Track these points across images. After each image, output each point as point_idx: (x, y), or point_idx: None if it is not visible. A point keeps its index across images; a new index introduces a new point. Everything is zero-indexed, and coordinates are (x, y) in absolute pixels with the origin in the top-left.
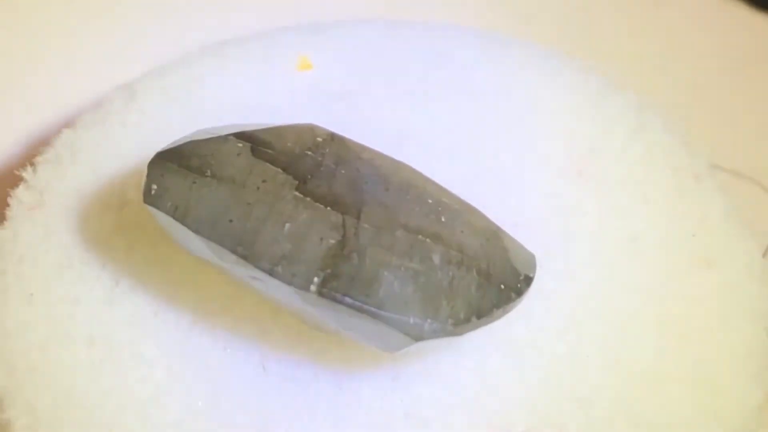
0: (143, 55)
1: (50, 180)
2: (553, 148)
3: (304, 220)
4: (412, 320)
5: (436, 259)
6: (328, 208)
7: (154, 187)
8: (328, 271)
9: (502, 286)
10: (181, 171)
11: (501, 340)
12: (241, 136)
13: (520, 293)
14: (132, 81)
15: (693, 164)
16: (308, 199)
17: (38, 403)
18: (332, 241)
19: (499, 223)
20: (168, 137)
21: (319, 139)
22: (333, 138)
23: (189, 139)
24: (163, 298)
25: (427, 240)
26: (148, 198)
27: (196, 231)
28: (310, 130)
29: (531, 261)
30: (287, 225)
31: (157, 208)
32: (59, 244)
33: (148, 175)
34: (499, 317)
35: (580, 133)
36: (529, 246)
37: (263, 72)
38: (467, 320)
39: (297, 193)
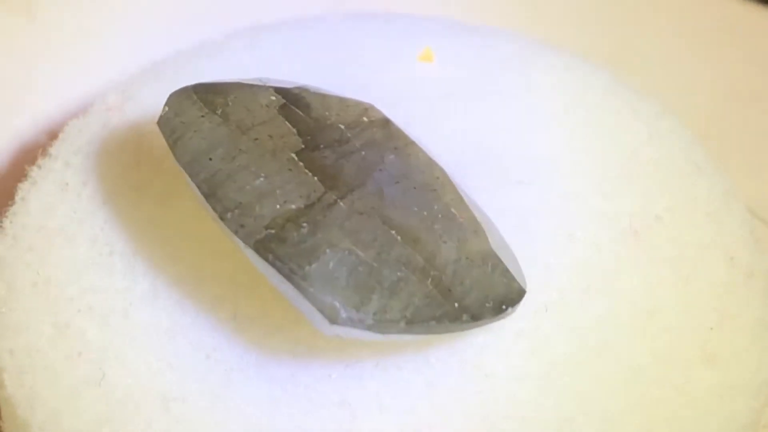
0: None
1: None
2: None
3: (279, 181)
4: (330, 301)
5: (394, 257)
6: (315, 178)
7: (166, 109)
8: (272, 231)
9: (457, 305)
10: (198, 104)
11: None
12: (282, 90)
13: (476, 318)
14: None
15: (752, 262)
16: (301, 164)
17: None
18: (293, 207)
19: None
20: None
21: (365, 119)
22: (384, 124)
23: (235, 80)
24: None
25: (399, 238)
26: (160, 119)
27: (178, 160)
28: (364, 109)
29: (513, 296)
30: (261, 179)
31: (161, 130)
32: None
33: (169, 98)
34: (440, 332)
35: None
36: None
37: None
38: (394, 322)
39: (293, 155)
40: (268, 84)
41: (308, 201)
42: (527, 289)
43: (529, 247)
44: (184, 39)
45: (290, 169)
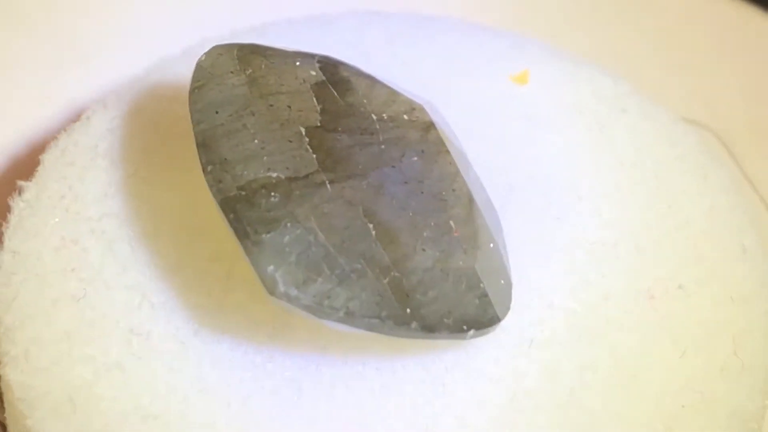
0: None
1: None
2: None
3: (273, 149)
4: (271, 272)
5: (358, 249)
6: (314, 156)
7: (203, 58)
8: (242, 193)
9: (409, 311)
10: (234, 60)
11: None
12: (329, 69)
13: (428, 330)
14: None
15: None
16: (306, 139)
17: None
18: (274, 176)
19: None
20: None
21: (405, 117)
22: (426, 127)
23: (291, 49)
24: None
25: (373, 233)
26: (196, 68)
27: (191, 106)
28: (411, 108)
29: (483, 320)
30: (255, 142)
31: (192, 75)
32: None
33: (213, 48)
34: (383, 332)
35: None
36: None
37: None
38: (334, 309)
39: (302, 129)
40: (319, 56)
41: (294, 174)
42: (514, 321)
43: (539, 281)
44: (188, 38)
45: (290, 141)
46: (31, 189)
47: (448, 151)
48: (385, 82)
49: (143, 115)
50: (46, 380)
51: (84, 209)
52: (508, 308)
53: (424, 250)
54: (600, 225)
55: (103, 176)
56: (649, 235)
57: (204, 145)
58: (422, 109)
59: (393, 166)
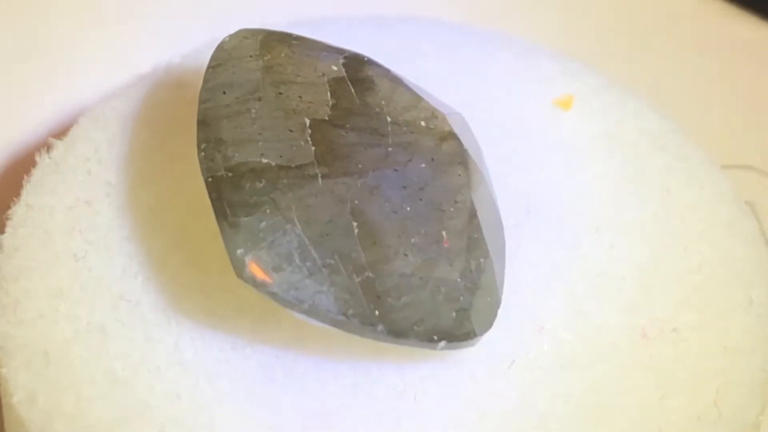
0: None
1: None
2: None
3: (271, 136)
4: (241, 255)
5: (336, 245)
6: (313, 148)
7: (227, 39)
8: (230, 174)
9: (377, 312)
10: (256, 45)
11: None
12: (353, 66)
13: (394, 334)
14: None
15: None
16: (309, 131)
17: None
18: (265, 162)
19: None
20: None
21: (423, 124)
22: (445, 136)
23: (322, 41)
24: None
25: (356, 231)
26: (217, 47)
27: (203, 84)
28: (433, 116)
29: (457, 333)
30: (254, 127)
31: (212, 54)
32: None
33: (239, 30)
34: (347, 331)
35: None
36: None
37: None
38: (299, 301)
39: (307, 121)
40: (348, 52)
41: (286, 163)
42: (499, 340)
43: (534, 305)
44: (189, 40)
45: (291, 131)
46: (59, 147)
47: (460, 163)
48: (416, 88)
49: (182, 92)
50: (27, 332)
51: (105, 173)
52: (489, 326)
53: (406, 255)
54: (611, 258)
55: (130, 145)
56: (658, 275)
57: (203, 123)
58: (444, 119)
59: (396, 170)
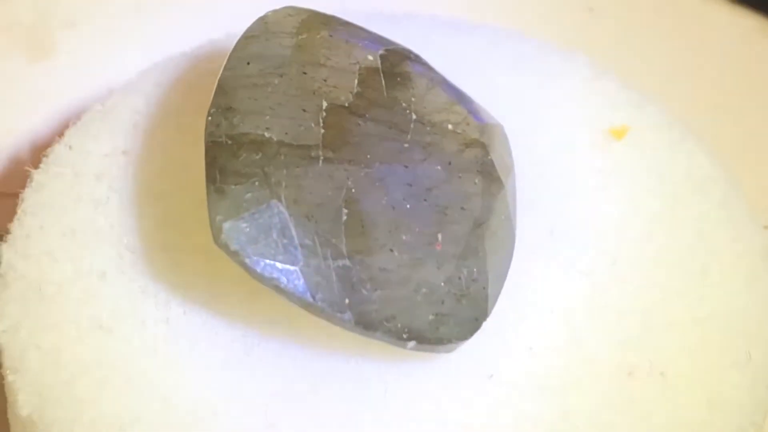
0: None
1: None
2: None
3: (283, 112)
4: (219, 221)
5: (319, 228)
6: (323, 131)
7: (269, 14)
8: (230, 142)
9: (347, 301)
10: (296, 23)
11: None
12: (390, 60)
13: (361, 325)
14: None
15: None
16: (323, 114)
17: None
18: (267, 135)
19: None
20: None
21: (450, 128)
22: (470, 143)
23: (366, 30)
24: None
25: (344, 218)
26: (257, 20)
27: (232, 51)
28: (465, 123)
29: (429, 336)
30: (267, 101)
31: (250, 25)
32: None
33: (287, 7)
34: (313, 313)
35: None
36: None
37: None
38: (269, 276)
39: (324, 104)
40: (391, 45)
41: (290, 141)
42: (482, 353)
43: (527, 326)
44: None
45: (305, 111)
46: (113, 97)
47: (480, 172)
48: (457, 93)
49: None
50: (29, 266)
51: (151, 127)
52: (468, 336)
53: (392, 251)
54: (620, 293)
55: (180, 105)
56: (663, 318)
57: (220, 89)
58: (476, 127)
59: (406, 166)
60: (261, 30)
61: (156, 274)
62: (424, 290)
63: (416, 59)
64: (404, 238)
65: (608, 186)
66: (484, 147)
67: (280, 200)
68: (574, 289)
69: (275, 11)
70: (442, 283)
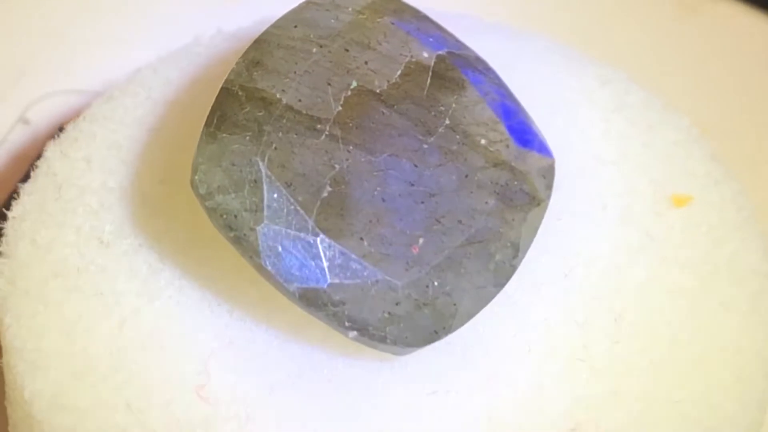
0: None
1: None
2: None
3: (305, 80)
4: (197, 163)
5: (290, 198)
6: (339, 109)
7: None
8: (241, 93)
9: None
10: (364, 2)
11: None
12: (446, 62)
13: (307, 302)
14: None
15: None
16: (348, 93)
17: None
18: (277, 96)
19: None
20: None
21: (483, 142)
22: (499, 164)
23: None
24: None
25: (323, 195)
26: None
27: (281, 18)
28: (505, 145)
29: (376, 333)
30: (296, 65)
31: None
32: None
33: None
34: (262, 276)
35: None
36: None
37: None
38: (228, 227)
39: (353, 84)
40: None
41: (300, 108)
42: (430, 362)
43: (498, 358)
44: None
45: (330, 84)
46: (128, 86)
47: (497, 194)
48: (513, 117)
49: None
50: (35, 226)
51: (148, 118)
52: (418, 345)
53: (362, 239)
54: (608, 353)
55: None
56: (633, 387)
57: (257, 43)
58: (514, 151)
59: (415, 165)
60: (329, 2)
61: (157, 231)
62: (380, 286)
63: (483, 72)
64: (381, 231)
65: (646, 249)
66: (513, 172)
67: (263, 160)
68: (562, 338)
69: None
70: (405, 286)
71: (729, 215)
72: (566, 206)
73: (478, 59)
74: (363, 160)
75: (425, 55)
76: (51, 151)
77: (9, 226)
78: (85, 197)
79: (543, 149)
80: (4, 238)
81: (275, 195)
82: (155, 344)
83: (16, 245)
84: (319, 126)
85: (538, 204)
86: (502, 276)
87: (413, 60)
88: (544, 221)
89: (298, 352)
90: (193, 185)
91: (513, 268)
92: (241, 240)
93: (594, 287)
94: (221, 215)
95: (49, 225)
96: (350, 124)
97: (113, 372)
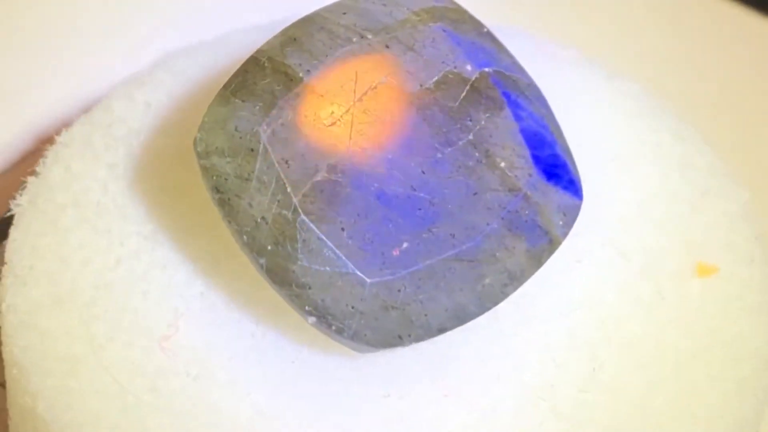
0: None
1: None
2: None
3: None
4: (206, 121)
5: (281, 175)
6: (360, 99)
7: None
8: (265, 63)
9: (270, 248)
10: (418, 3)
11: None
12: (489, 81)
13: (274, 277)
14: None
15: None
16: (372, 86)
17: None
18: (300, 75)
19: None
20: None
21: (505, 168)
22: (516, 192)
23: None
24: None
25: (315, 179)
26: None
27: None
28: (527, 174)
29: (335, 322)
30: (330, 50)
31: None
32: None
33: None
34: (239, 246)
35: None
36: None
37: None
38: (218, 191)
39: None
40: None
41: (320, 91)
42: (389, 375)
43: (471, 387)
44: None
45: (357, 75)
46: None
47: (503, 218)
48: (544, 150)
49: None
50: (74, 154)
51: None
52: (377, 347)
53: (342, 230)
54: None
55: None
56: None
57: (303, 21)
58: (536, 183)
59: (423, 172)
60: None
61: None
62: (348, 279)
63: (529, 98)
64: (365, 226)
65: (652, 308)
66: (528, 201)
67: (266, 132)
68: (539, 386)
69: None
70: (373, 285)
71: (751, 296)
72: (591, 250)
73: (530, 86)
74: (369, 154)
75: (468, 68)
76: (115, 90)
77: (53, 149)
78: (131, 138)
79: (572, 189)
80: (43, 159)
81: (267, 168)
82: (140, 289)
83: (51, 168)
84: (333, 112)
85: (550, 240)
86: (488, 300)
87: (454, 70)
88: (561, 259)
89: (270, 332)
90: (195, 142)
91: (504, 295)
92: (224, 204)
93: (586, 333)
94: (212, 176)
95: (87, 157)
96: (366, 118)
97: (90, 305)
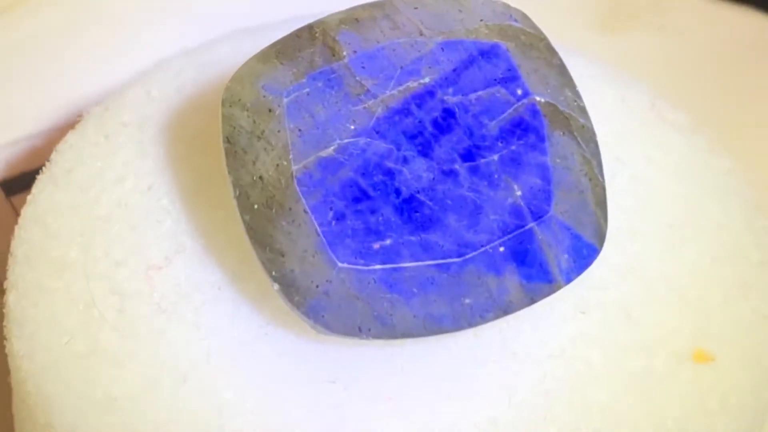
0: None
1: None
2: None
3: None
4: (230, 86)
5: (289, 144)
6: (396, 91)
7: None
8: (314, 39)
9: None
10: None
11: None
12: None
13: (250, 232)
14: None
15: None
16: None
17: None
18: (343, 55)
19: None
20: None
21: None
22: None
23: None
24: None
25: (321, 154)
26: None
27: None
28: (540, 196)
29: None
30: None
31: None
32: None
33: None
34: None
35: None
36: None
37: None
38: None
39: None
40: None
41: (359, 73)
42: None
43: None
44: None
45: (401, 68)
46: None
47: (501, 245)
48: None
49: None
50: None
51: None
52: (334, 332)
53: (330, 209)
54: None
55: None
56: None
57: (373, 5)
58: (550, 218)
59: (433, 178)
60: (450, 5)
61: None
62: (319, 258)
63: (577, 138)
64: (353, 213)
65: (634, 380)
66: (533, 236)
67: (290, 97)
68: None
69: (486, 3)
70: (340, 268)
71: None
72: (600, 307)
73: (584, 128)
74: (384, 146)
75: (518, 92)
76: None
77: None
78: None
79: (591, 236)
80: (78, 123)
81: (278, 131)
82: (156, 218)
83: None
84: (363, 97)
85: (550, 281)
86: (464, 320)
87: (502, 91)
88: (565, 305)
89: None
90: (222, 100)
91: (482, 320)
92: (230, 155)
93: (553, 386)
94: (228, 125)
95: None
96: (395, 111)
97: (104, 219)
